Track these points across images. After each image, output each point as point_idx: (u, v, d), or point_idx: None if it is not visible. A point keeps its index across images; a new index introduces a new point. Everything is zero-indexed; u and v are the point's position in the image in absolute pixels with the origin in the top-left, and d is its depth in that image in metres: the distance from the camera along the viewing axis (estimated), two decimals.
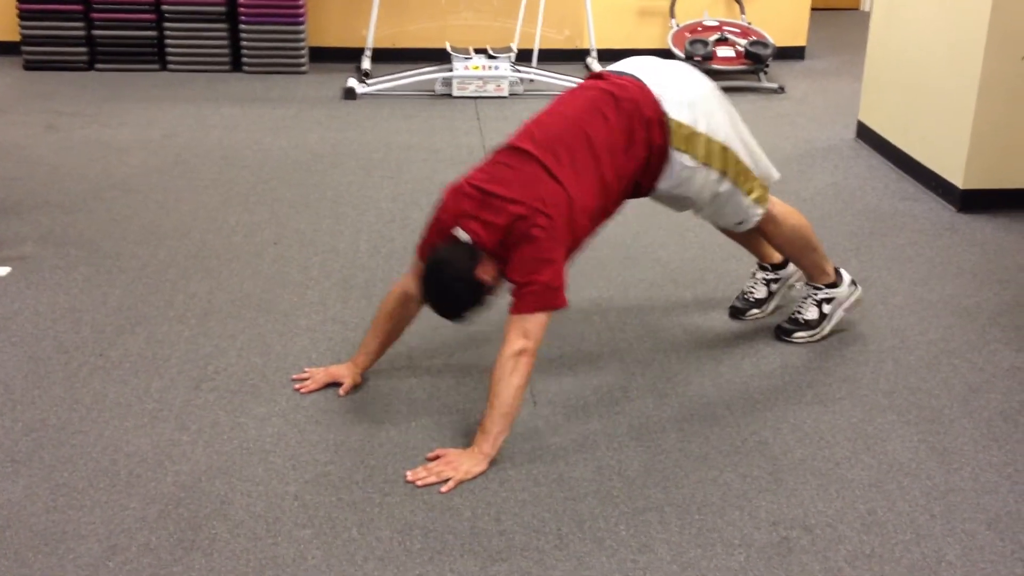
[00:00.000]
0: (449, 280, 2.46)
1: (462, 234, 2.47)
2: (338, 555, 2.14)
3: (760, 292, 3.22)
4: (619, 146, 2.59)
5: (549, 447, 2.53)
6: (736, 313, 3.24)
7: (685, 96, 2.67)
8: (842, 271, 3.11)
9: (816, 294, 3.06)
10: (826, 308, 3.06)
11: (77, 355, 2.92)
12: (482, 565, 2.12)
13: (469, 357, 2.96)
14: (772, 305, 3.22)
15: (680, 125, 2.64)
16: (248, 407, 2.67)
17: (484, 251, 2.46)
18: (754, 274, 3.25)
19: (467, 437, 2.55)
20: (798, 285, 3.20)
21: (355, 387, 2.76)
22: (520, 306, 2.44)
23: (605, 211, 2.64)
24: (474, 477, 2.40)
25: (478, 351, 2.99)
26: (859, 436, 2.60)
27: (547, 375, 2.86)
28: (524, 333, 2.42)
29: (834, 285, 3.06)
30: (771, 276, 3.22)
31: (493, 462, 2.44)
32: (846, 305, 3.09)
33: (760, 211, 2.87)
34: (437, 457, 2.46)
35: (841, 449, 2.55)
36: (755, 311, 3.22)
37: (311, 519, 2.25)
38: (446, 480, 2.37)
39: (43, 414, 2.62)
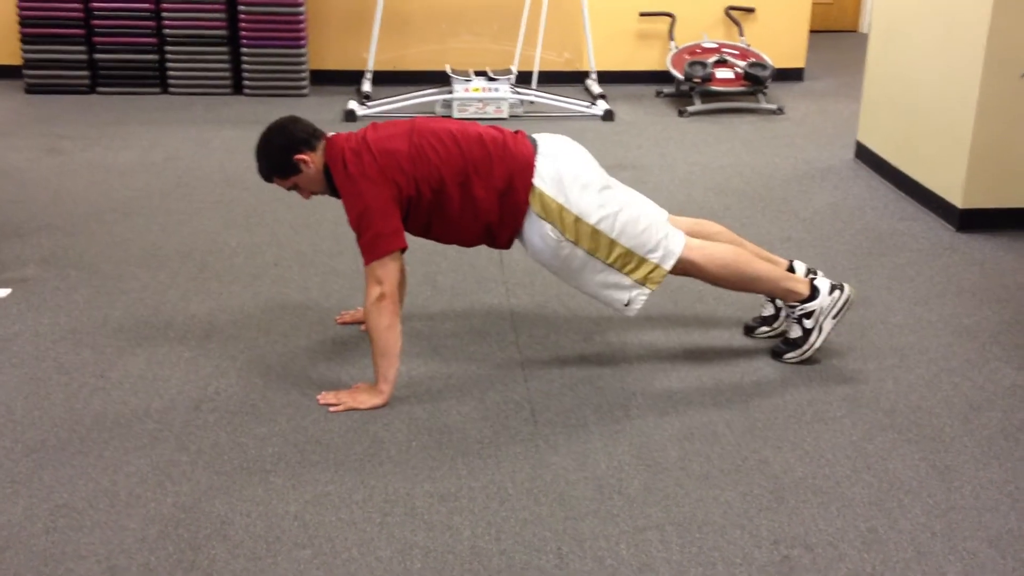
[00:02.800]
0: (275, 145, 2.88)
1: (327, 132, 2.91)
2: (338, 575, 2.13)
3: (768, 310, 3.21)
4: (483, 166, 2.82)
5: (549, 465, 2.53)
6: (748, 331, 3.24)
7: (564, 175, 2.82)
8: (817, 282, 3.03)
9: (793, 312, 3.04)
10: (808, 323, 3.02)
11: (78, 376, 2.92)
12: None
13: (468, 377, 2.96)
14: (781, 323, 3.20)
15: (543, 195, 2.81)
16: (248, 427, 2.67)
17: (325, 152, 2.86)
18: None
19: (466, 457, 2.55)
20: None
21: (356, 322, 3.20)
22: (366, 257, 2.76)
23: (453, 199, 2.83)
24: (368, 408, 2.75)
25: (477, 371, 2.99)
26: (860, 454, 2.60)
27: (547, 393, 2.86)
28: (377, 280, 2.74)
29: (810, 299, 3.02)
30: None
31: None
32: (833, 312, 3.02)
33: (646, 292, 2.89)
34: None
35: (842, 467, 2.54)
36: (764, 329, 3.21)
37: (311, 539, 2.24)
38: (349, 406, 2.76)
39: (43, 435, 2.62)
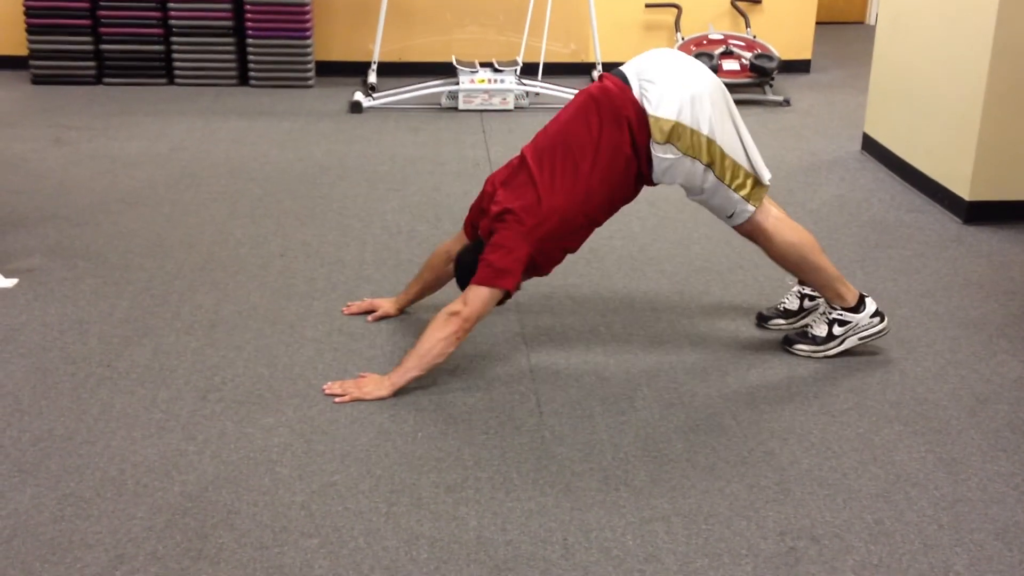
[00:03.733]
0: (464, 265, 2.92)
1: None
2: (344, 564, 2.14)
3: (792, 304, 3.19)
4: (603, 149, 2.80)
5: (555, 457, 2.53)
6: (761, 320, 3.23)
7: (669, 92, 2.79)
8: (868, 300, 3.02)
9: (831, 312, 3.03)
10: (837, 329, 3.01)
11: (84, 366, 2.93)
12: (488, 575, 2.11)
13: (474, 369, 2.96)
14: (800, 321, 3.19)
15: (658, 120, 2.77)
16: (255, 417, 2.68)
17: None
18: (792, 285, 3.24)
19: (472, 447, 2.55)
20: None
21: (385, 317, 3.24)
22: (476, 278, 2.78)
23: (585, 212, 2.84)
24: (373, 399, 2.75)
25: (484, 363, 2.99)
26: (866, 446, 2.60)
27: (553, 385, 2.86)
28: (465, 300, 2.77)
29: (854, 310, 3.01)
30: (809, 291, 3.20)
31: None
32: (864, 334, 3.01)
33: (750, 208, 2.89)
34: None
35: (848, 459, 2.54)
36: (780, 321, 3.20)
37: (317, 528, 2.25)
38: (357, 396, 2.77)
39: (50, 424, 2.63)
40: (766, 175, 2.91)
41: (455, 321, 2.74)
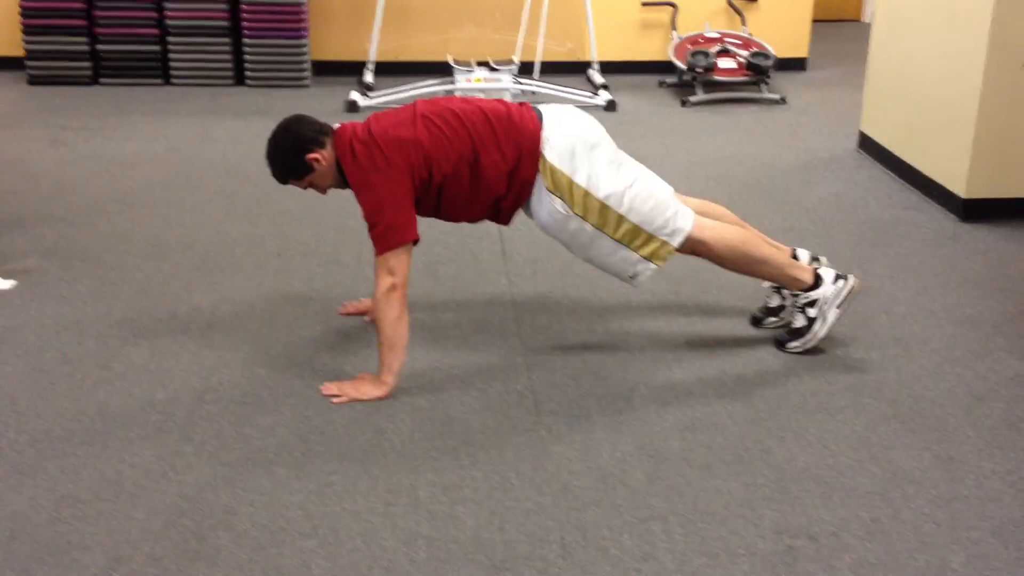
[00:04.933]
0: (285, 147, 2.87)
1: (333, 125, 2.90)
2: (342, 565, 2.14)
3: (774, 301, 3.20)
4: (490, 143, 2.81)
5: (552, 456, 2.53)
6: (756, 322, 3.24)
7: (571, 144, 2.81)
8: (821, 270, 3.01)
9: (797, 300, 3.04)
10: (811, 312, 3.01)
11: (81, 367, 2.93)
12: (485, 574, 2.12)
13: (471, 368, 2.96)
14: (788, 312, 3.19)
15: (555, 169, 2.81)
16: (252, 418, 2.68)
17: (334, 145, 2.84)
18: (767, 284, 3.25)
19: (469, 447, 2.56)
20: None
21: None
22: (378, 248, 2.76)
23: (463, 177, 2.82)
24: (370, 399, 2.76)
25: (480, 362, 2.99)
26: (863, 444, 2.60)
27: (550, 384, 2.86)
28: (389, 271, 2.74)
29: (813, 287, 3.00)
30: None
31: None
32: (837, 302, 3.00)
33: (651, 268, 2.90)
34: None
35: (845, 457, 2.54)
36: (772, 319, 3.20)
37: (315, 529, 2.25)
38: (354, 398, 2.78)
39: (48, 425, 2.63)
40: (682, 225, 2.87)
41: (395, 296, 2.74)
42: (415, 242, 2.80)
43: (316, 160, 2.83)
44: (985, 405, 2.80)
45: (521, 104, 2.95)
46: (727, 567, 2.15)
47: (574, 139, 2.83)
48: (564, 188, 2.81)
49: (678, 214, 2.89)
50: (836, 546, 2.22)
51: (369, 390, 2.78)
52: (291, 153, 2.84)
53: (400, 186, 2.75)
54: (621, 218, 2.83)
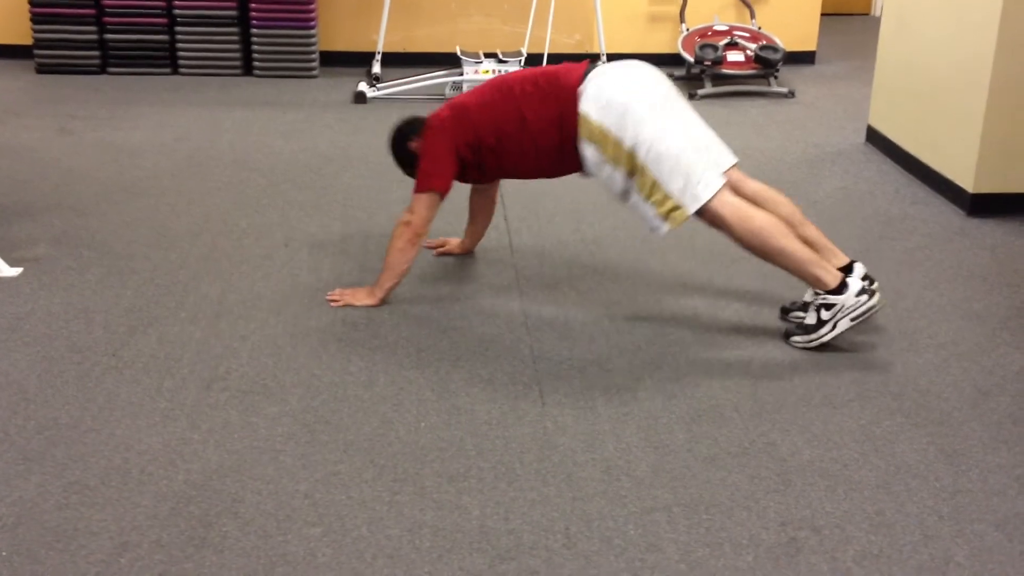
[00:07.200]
0: (395, 143, 3.38)
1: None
2: (348, 553, 2.15)
3: (809, 296, 3.13)
4: (535, 100, 3.07)
5: (557, 447, 2.54)
6: (783, 312, 3.23)
7: (608, 97, 2.96)
8: (851, 280, 2.99)
9: (816, 299, 3.03)
10: (824, 314, 3.00)
11: (89, 355, 2.94)
12: (490, 563, 2.13)
13: (477, 359, 2.97)
14: None
15: (587, 119, 2.98)
16: (259, 407, 2.69)
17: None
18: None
19: (476, 437, 2.57)
20: None
21: (450, 254, 3.66)
22: (415, 188, 3.18)
23: (522, 137, 3.09)
24: (360, 305, 3.22)
25: (487, 353, 3.00)
26: (868, 438, 2.61)
27: (556, 376, 2.87)
28: (411, 210, 3.16)
29: (837, 292, 2.99)
30: None
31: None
32: (853, 314, 2.97)
33: (666, 227, 2.96)
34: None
35: (849, 450, 2.55)
36: (800, 314, 3.17)
37: (321, 517, 2.26)
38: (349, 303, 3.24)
39: (55, 413, 2.64)
40: (701, 195, 2.92)
41: (407, 230, 3.14)
42: (442, 195, 3.15)
43: (416, 147, 3.23)
44: (991, 399, 2.80)
45: (582, 62, 3.14)
46: (731, 558, 2.16)
47: (611, 89, 2.98)
48: (596, 136, 2.96)
49: (701, 182, 2.92)
50: (840, 538, 2.22)
51: (362, 298, 3.23)
52: (398, 145, 3.33)
53: (442, 144, 3.14)
54: (644, 170, 2.92)
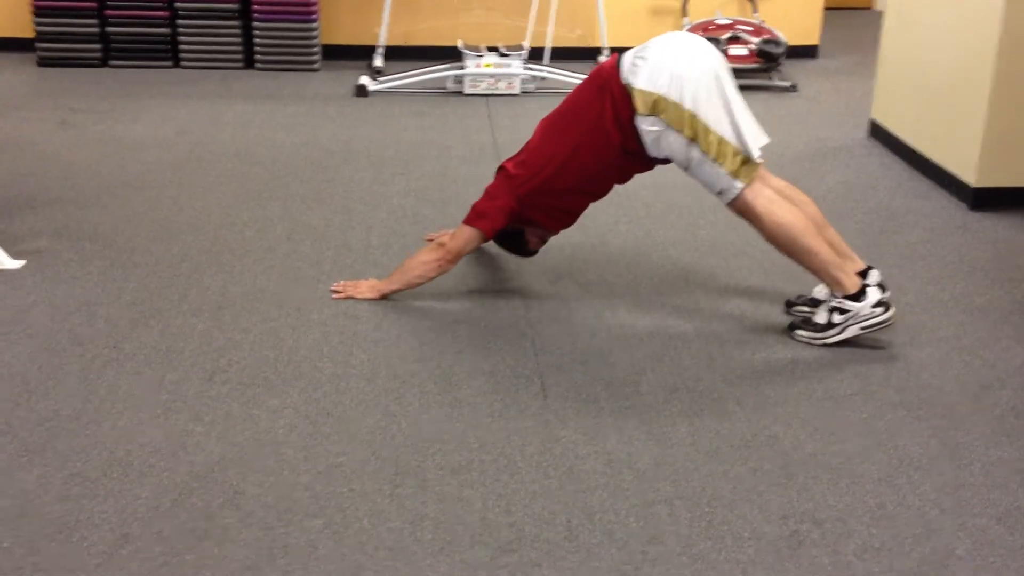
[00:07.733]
0: (504, 235, 3.32)
1: None
2: (349, 545, 2.15)
3: (821, 294, 3.13)
4: (584, 118, 3.02)
5: (559, 440, 2.54)
6: (788, 305, 3.23)
7: (655, 67, 2.92)
8: (870, 290, 2.98)
9: (831, 300, 3.02)
10: (836, 317, 2.99)
11: (92, 347, 2.94)
12: (492, 556, 2.13)
13: (479, 352, 2.97)
14: None
15: (643, 93, 2.92)
16: (261, 399, 2.69)
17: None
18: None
19: (478, 430, 2.57)
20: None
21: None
22: (465, 218, 3.18)
23: (570, 176, 3.08)
24: (360, 298, 3.22)
25: (489, 347, 3.00)
26: (870, 431, 2.60)
27: (558, 369, 2.87)
28: (452, 236, 3.17)
29: (854, 299, 2.98)
30: None
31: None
32: (865, 324, 2.97)
33: (739, 184, 2.93)
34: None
35: (852, 444, 2.55)
36: (805, 309, 3.16)
37: (322, 509, 2.26)
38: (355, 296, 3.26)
39: (57, 405, 2.64)
40: (755, 153, 2.95)
41: (440, 251, 3.15)
42: (486, 238, 3.17)
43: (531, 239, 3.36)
44: (993, 393, 2.79)
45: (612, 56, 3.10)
46: (732, 551, 2.15)
47: (659, 61, 2.92)
48: (652, 105, 2.91)
49: (756, 146, 2.96)
50: (841, 531, 2.22)
51: (365, 291, 3.24)
52: (512, 239, 3.37)
53: (500, 197, 3.15)
54: (708, 129, 2.90)
